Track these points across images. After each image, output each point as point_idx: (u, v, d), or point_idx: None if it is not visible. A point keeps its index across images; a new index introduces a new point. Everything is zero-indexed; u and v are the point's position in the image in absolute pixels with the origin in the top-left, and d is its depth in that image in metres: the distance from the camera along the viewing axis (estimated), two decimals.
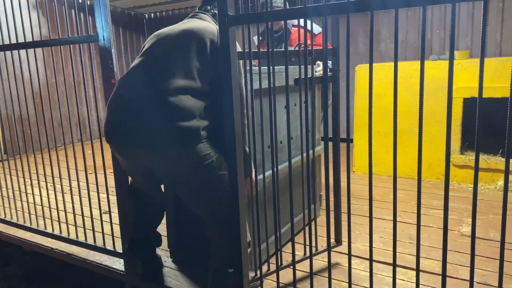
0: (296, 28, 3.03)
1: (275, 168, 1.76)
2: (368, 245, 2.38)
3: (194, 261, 2.31)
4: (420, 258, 1.50)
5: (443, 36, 5.00)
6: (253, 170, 1.83)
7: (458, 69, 3.41)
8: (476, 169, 1.25)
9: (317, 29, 3.30)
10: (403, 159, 3.57)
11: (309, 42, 2.62)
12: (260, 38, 3.31)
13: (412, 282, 2.00)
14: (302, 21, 1.68)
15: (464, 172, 3.51)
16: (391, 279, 2.00)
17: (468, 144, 3.62)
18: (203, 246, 2.09)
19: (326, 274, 2.03)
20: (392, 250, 2.30)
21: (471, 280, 1.32)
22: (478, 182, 1.29)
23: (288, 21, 3.02)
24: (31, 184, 2.87)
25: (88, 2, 6.12)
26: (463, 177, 3.52)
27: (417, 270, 1.45)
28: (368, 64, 3.89)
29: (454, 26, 1.19)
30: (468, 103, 3.39)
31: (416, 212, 2.87)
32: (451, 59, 1.27)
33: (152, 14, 7.72)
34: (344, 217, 2.28)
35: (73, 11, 5.36)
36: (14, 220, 2.94)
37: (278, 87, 2.13)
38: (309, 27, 2.68)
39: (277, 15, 1.59)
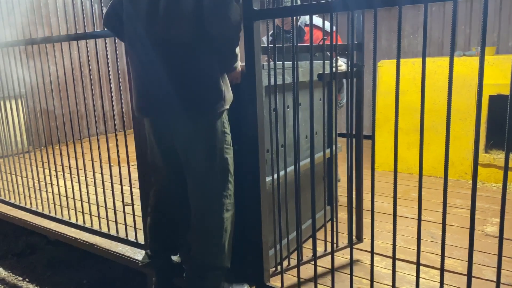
0: (309, 28, 2.93)
1: (297, 164, 1.76)
2: (389, 242, 2.36)
3: None
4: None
5: (468, 32, 4.89)
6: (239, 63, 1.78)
7: (484, 65, 3.32)
8: (506, 168, 1.22)
9: (328, 26, 3.19)
10: (425, 156, 3.52)
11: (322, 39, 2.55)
12: (270, 38, 3.03)
13: (434, 281, 1.98)
14: (314, 20, 1.62)
15: (489, 171, 3.44)
16: (412, 277, 1.98)
17: (493, 142, 3.54)
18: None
19: (346, 271, 2.02)
20: (413, 248, 2.29)
21: (498, 281, 1.30)
22: (502, 181, 1.26)
23: (300, 21, 2.94)
24: (56, 176, 2.94)
25: None
26: (487, 176, 3.45)
27: (442, 269, 1.43)
28: (391, 60, 3.84)
29: (486, 22, 1.17)
30: (494, 100, 3.31)
31: (438, 210, 2.84)
32: (482, 57, 1.24)
33: None
34: (365, 214, 2.26)
35: (96, 5, 5.43)
36: (40, 210, 3.02)
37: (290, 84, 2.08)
38: (320, 25, 2.61)
39: (302, 10, 1.58)
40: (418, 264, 1.50)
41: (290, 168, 2.02)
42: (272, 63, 1.77)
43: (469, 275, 1.37)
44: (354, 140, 2.07)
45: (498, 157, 3.38)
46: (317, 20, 2.81)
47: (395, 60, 1.39)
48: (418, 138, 1.39)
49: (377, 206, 2.96)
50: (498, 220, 2.53)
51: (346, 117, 2.03)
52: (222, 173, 1.76)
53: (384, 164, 3.89)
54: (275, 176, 1.86)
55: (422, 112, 1.36)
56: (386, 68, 3.79)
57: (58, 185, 2.96)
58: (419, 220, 1.46)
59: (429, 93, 3.50)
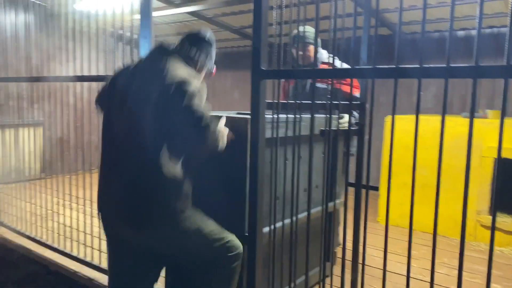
0: (325, 66, 2.89)
1: (294, 218, 1.79)
2: None
3: None
4: None
5: (478, 93, 4.96)
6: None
7: (491, 128, 3.37)
8: (493, 229, 1.25)
9: (346, 66, 3.15)
10: (430, 214, 3.48)
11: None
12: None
13: None
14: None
15: None
16: None
17: (497, 205, 3.51)
18: None
19: None
20: None
21: None
22: (506, 246, 1.27)
23: (317, 56, 2.81)
24: (64, 205, 3.01)
25: (136, 36, 6.47)
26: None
27: None
28: (398, 116, 3.90)
29: (475, 100, 1.24)
30: (500, 163, 3.32)
31: (439, 271, 2.81)
32: (471, 124, 1.30)
33: None
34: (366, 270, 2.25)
35: (120, 43, 5.69)
36: (44, 239, 3.07)
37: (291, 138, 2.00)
38: (338, 65, 2.61)
39: (308, 74, 1.67)
40: None
41: (287, 221, 2.04)
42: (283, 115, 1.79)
43: None
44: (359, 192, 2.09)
45: (502, 220, 3.35)
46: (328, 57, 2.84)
47: (402, 116, 1.43)
48: (423, 194, 1.41)
49: (377, 262, 2.93)
50: (500, 286, 2.49)
51: (345, 174, 2.07)
52: (220, 260, 1.74)
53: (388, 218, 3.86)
54: (272, 227, 1.89)
55: (414, 168, 1.41)
56: None
57: (64, 214, 3.02)
58: (408, 278, 1.48)
59: (435, 150, 3.50)
